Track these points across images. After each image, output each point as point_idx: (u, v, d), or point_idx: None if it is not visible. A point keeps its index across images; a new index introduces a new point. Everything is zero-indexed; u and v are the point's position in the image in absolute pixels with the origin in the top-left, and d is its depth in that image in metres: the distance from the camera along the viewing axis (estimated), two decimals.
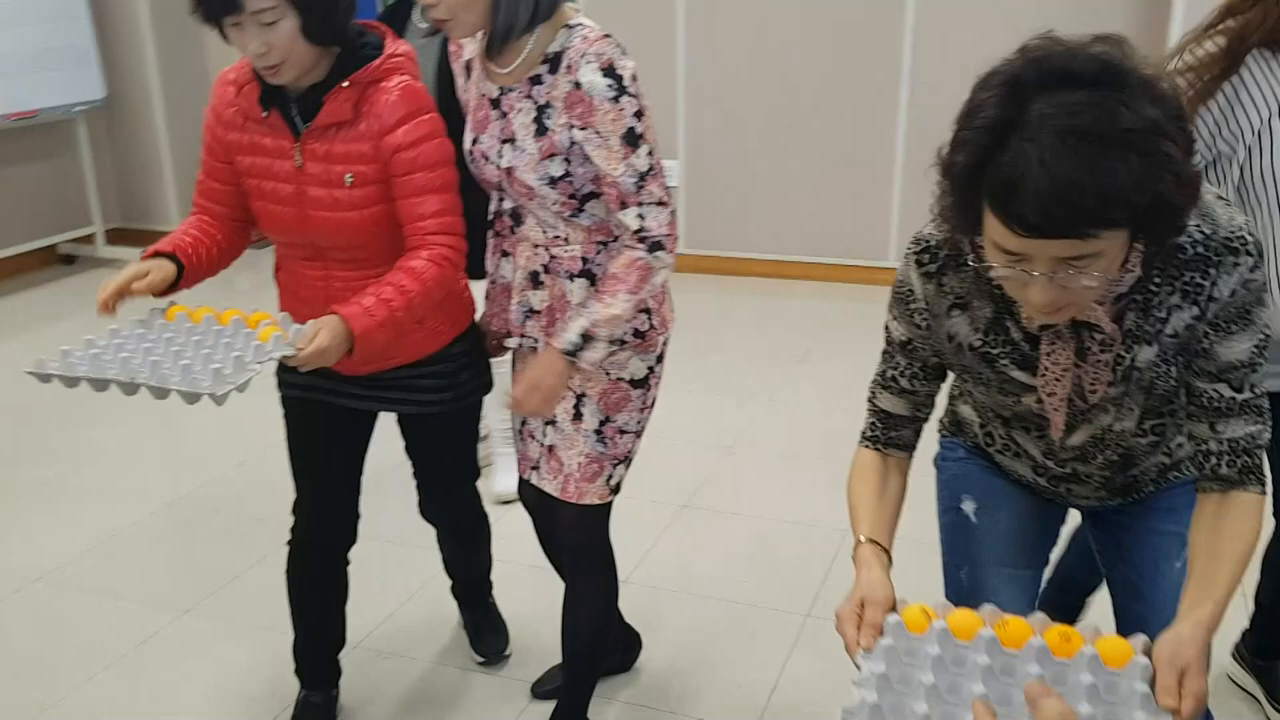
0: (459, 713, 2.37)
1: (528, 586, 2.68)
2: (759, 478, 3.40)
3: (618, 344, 1.86)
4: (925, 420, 1.51)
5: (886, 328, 1.47)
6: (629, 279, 1.80)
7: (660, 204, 1.79)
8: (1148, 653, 1.17)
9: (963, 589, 1.54)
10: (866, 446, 1.49)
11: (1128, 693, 1.11)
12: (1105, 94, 1.09)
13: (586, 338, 1.81)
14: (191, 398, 1.64)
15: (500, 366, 2.19)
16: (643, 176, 1.77)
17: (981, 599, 1.31)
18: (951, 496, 1.61)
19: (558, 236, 1.88)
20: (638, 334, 1.92)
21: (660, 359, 1.99)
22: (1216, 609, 1.20)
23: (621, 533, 2.19)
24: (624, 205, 1.79)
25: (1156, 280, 1.27)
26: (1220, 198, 1.27)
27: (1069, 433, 1.43)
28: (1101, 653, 1.11)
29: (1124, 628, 1.31)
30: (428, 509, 2.37)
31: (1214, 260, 1.25)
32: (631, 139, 1.76)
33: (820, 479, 3.18)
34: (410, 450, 2.25)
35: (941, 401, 1.55)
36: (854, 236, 5.21)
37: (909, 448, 1.50)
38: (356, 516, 2.22)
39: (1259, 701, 2.31)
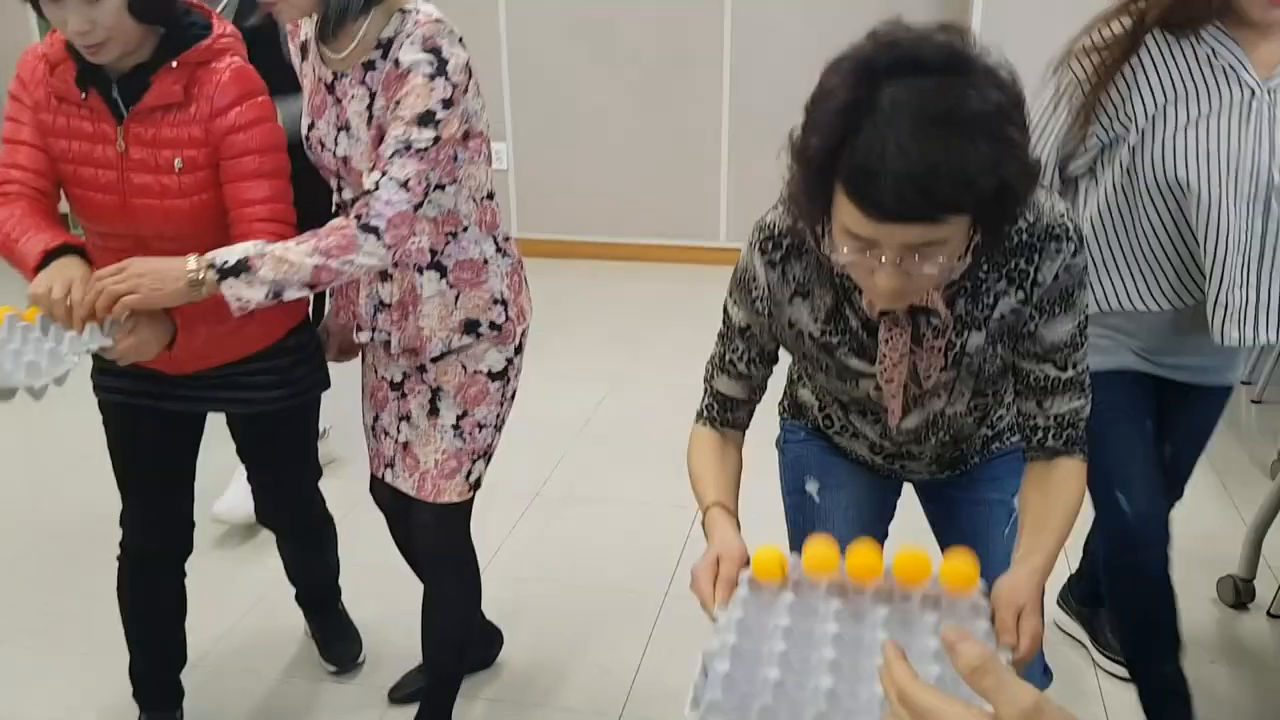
0: None
1: (377, 588, 2.58)
2: (609, 461, 3.39)
3: (273, 299, 1.61)
4: (759, 401, 1.55)
5: (726, 310, 1.48)
6: (325, 238, 1.62)
7: (403, 186, 1.62)
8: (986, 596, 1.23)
9: None
10: (704, 425, 1.52)
11: (970, 627, 1.16)
12: (953, 80, 1.12)
13: (243, 264, 1.58)
14: (6, 393, 1.52)
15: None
16: (407, 148, 1.63)
17: None
18: (795, 479, 1.65)
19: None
20: (494, 326, 1.87)
21: (519, 350, 1.94)
22: (1047, 560, 1.29)
23: (474, 525, 2.13)
24: (375, 165, 1.66)
25: (984, 268, 1.32)
26: (1041, 185, 1.32)
27: (904, 416, 1.48)
28: (945, 575, 1.16)
29: None
30: (266, 514, 2.24)
31: (1038, 247, 1.31)
32: (426, 119, 1.63)
33: (668, 459, 3.20)
34: (243, 453, 2.13)
35: (778, 384, 1.57)
36: (685, 218, 5.27)
37: (743, 427, 1.54)
38: (191, 525, 2.09)
39: (1084, 646, 2.46)
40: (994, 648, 1.16)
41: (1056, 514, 1.35)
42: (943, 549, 1.68)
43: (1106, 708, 2.28)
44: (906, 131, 1.09)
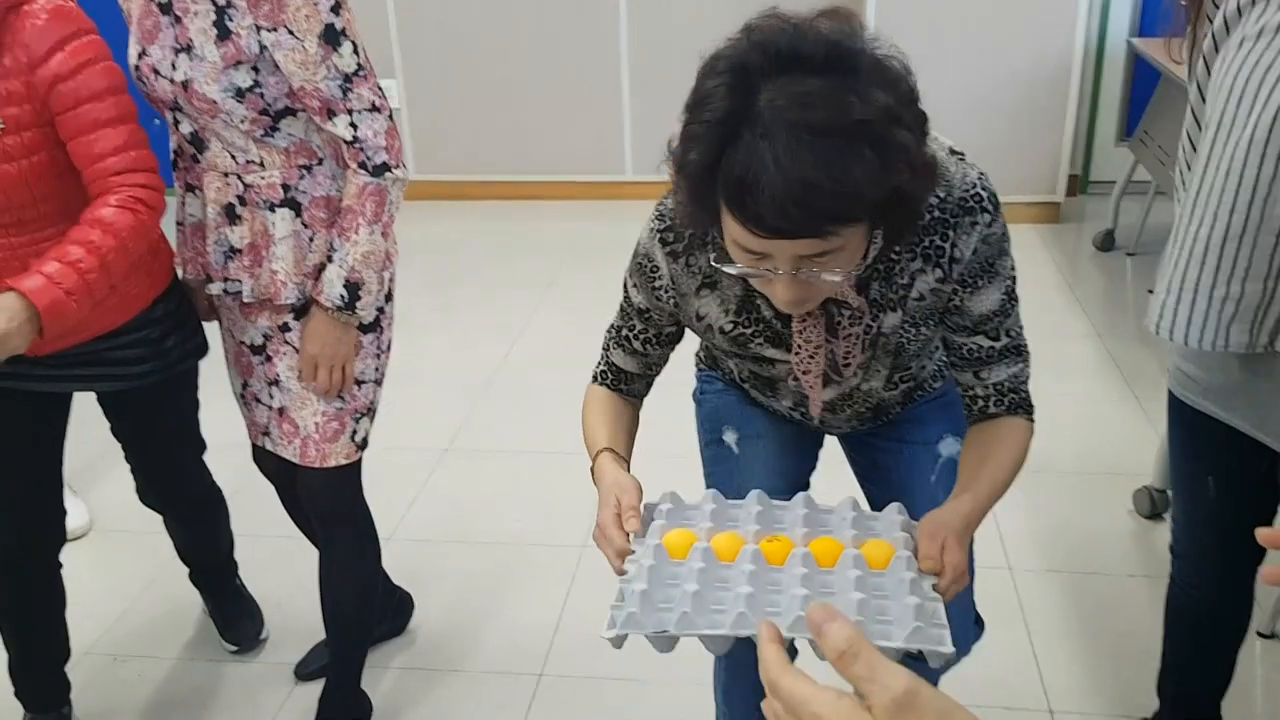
0: (219, 709, 2.14)
1: (277, 559, 2.46)
2: (519, 412, 3.27)
3: (388, 278, 1.74)
4: (656, 375, 1.49)
5: (625, 288, 1.41)
6: (365, 209, 1.64)
7: (374, 109, 1.61)
8: (908, 531, 1.21)
9: None
10: (599, 385, 1.47)
11: (894, 585, 1.12)
12: (836, 81, 1.04)
13: (351, 286, 1.67)
14: None
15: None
16: (349, 79, 1.57)
17: None
18: (712, 429, 1.58)
19: (251, 161, 1.65)
20: None
21: (389, 297, 1.81)
22: (977, 502, 1.25)
23: (379, 488, 2.02)
24: (331, 114, 1.59)
25: (896, 249, 1.25)
26: (953, 151, 1.24)
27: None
28: (866, 555, 1.12)
29: None
30: (148, 495, 2.09)
31: (951, 222, 1.23)
32: (331, 37, 1.55)
33: (577, 409, 3.13)
34: (118, 432, 1.97)
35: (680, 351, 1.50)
36: (588, 152, 5.11)
37: (640, 397, 1.49)
38: (63, 512, 1.93)
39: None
40: (917, 574, 1.13)
41: (991, 461, 1.30)
42: (869, 499, 1.63)
43: (1043, 676, 2.27)
44: (783, 144, 1.01)
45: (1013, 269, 1.29)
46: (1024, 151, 4.55)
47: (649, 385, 1.48)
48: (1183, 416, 1.62)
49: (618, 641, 1.07)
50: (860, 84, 1.04)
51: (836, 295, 1.25)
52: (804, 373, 1.35)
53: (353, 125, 1.60)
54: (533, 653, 2.24)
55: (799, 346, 1.31)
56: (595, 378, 1.47)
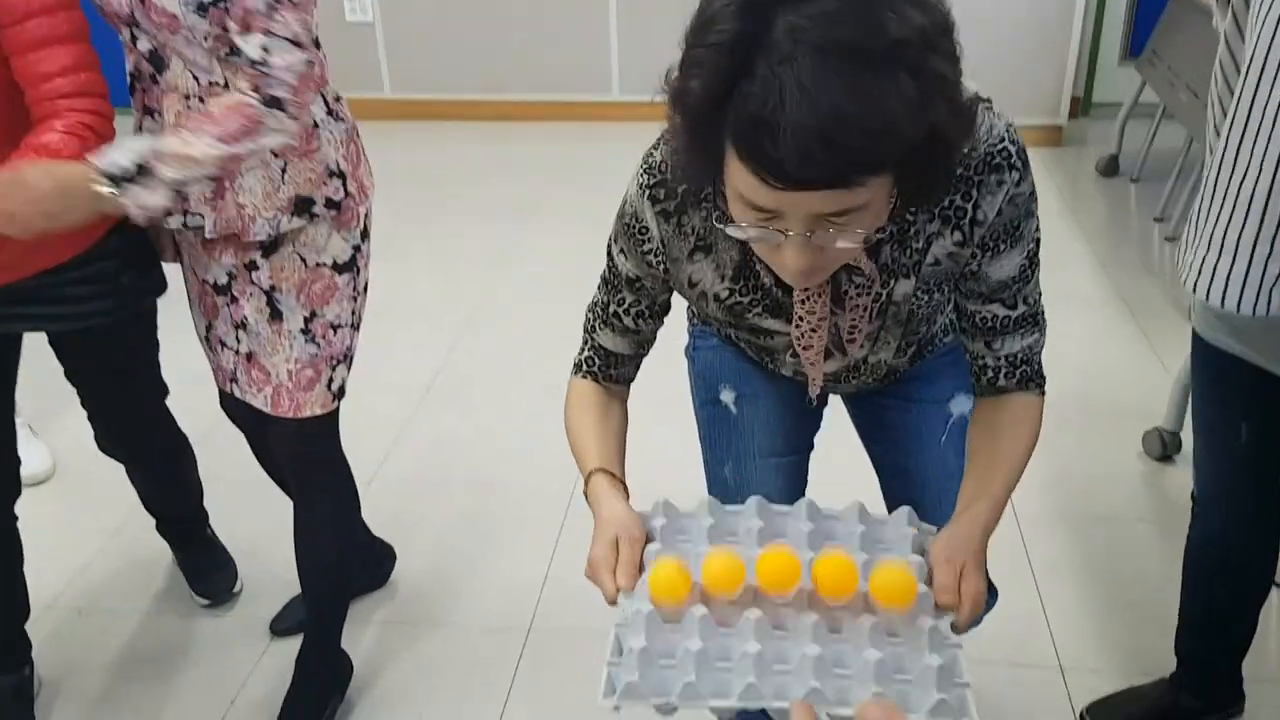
0: (189, 665, 2.04)
1: (249, 506, 2.34)
2: (505, 348, 3.14)
3: (179, 198, 1.45)
4: (647, 353, 1.34)
5: (611, 256, 1.25)
6: (226, 123, 1.41)
7: (294, 44, 1.42)
8: (921, 552, 1.11)
9: (729, 487, 1.42)
10: (583, 378, 1.32)
11: (912, 634, 1.03)
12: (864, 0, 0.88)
13: (143, 169, 1.38)
14: None
15: None
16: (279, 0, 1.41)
17: (749, 494, 1.19)
18: (708, 388, 1.45)
19: (214, 83, 1.49)
20: (331, 204, 1.59)
21: (365, 234, 1.67)
22: (992, 509, 1.15)
23: (355, 432, 1.89)
24: (248, 29, 1.41)
25: (912, 209, 1.11)
26: (978, 98, 1.08)
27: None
28: (878, 587, 1.02)
29: (893, 509, 1.26)
30: (107, 443, 1.96)
31: (975, 180, 1.09)
32: None
33: (570, 343, 3.02)
34: (73, 375, 1.84)
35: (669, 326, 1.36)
36: (573, 70, 4.90)
37: (629, 381, 1.34)
38: (16, 462, 1.82)
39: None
40: (934, 616, 1.04)
41: (1004, 458, 1.20)
42: (874, 461, 1.52)
43: (1052, 629, 2.18)
44: (809, 70, 0.86)
45: (1037, 231, 1.16)
46: (1024, 70, 4.36)
47: (638, 367, 1.34)
48: (1210, 360, 1.52)
49: (616, 709, 0.99)
50: (892, 1, 0.89)
51: (850, 260, 1.11)
52: (805, 347, 1.22)
53: (265, 49, 1.41)
54: (521, 606, 2.15)
55: (800, 319, 1.18)
56: (578, 368, 1.32)
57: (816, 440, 1.51)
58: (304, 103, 1.46)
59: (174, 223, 1.61)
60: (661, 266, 1.20)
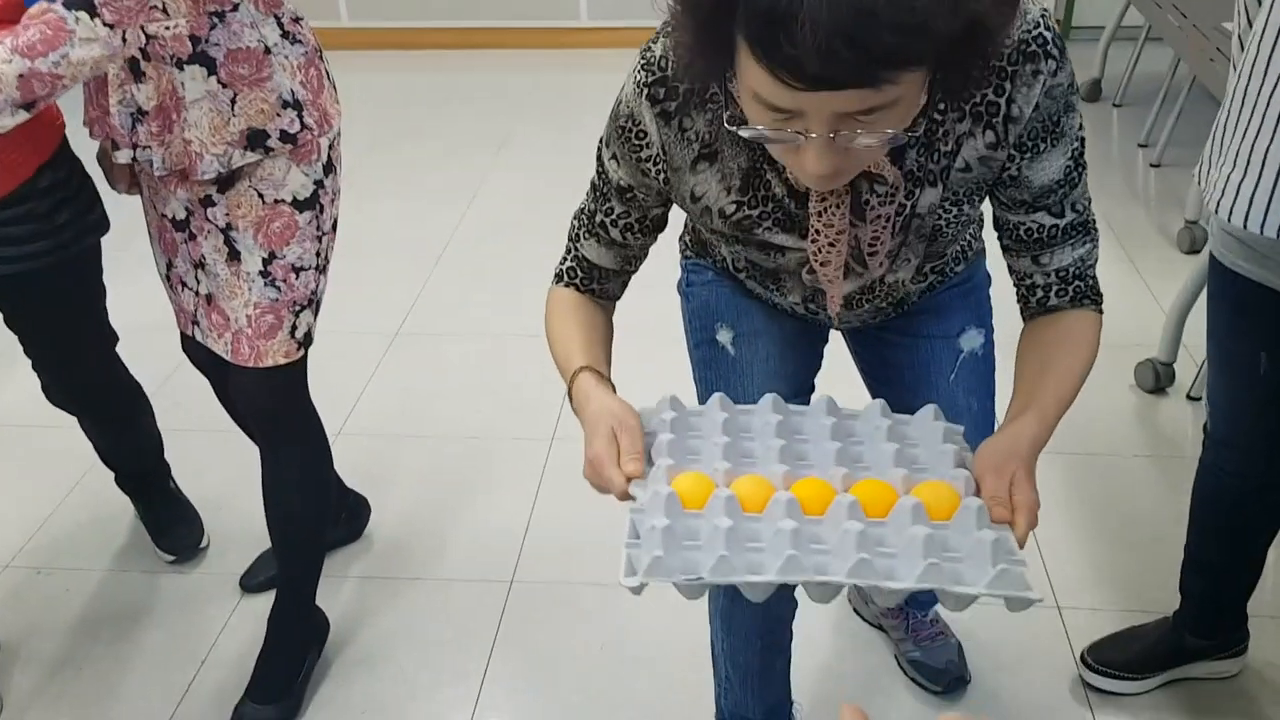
0: (155, 625, 1.95)
1: (214, 456, 2.24)
2: (477, 287, 3.02)
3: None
4: (634, 271, 1.24)
5: (601, 161, 1.14)
6: (23, 32, 1.26)
7: None
8: (954, 444, 1.03)
9: None
10: (565, 287, 1.21)
11: (967, 543, 0.93)
12: None
13: None
14: None
15: None
16: None
17: None
18: (704, 327, 1.35)
19: (153, 6, 1.35)
20: (286, 137, 1.46)
21: (330, 168, 1.55)
22: (1042, 418, 1.04)
23: (325, 377, 1.79)
24: None
25: (940, 106, 1.01)
26: None
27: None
28: (925, 501, 0.91)
29: None
30: (54, 394, 1.85)
31: (1009, 72, 0.99)
32: None
33: (544, 280, 2.94)
34: (12, 322, 1.73)
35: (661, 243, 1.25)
36: None
37: (615, 298, 1.24)
38: None
39: None
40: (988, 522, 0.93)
41: (1056, 369, 1.08)
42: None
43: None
44: None
45: (1081, 128, 1.06)
46: None
47: (625, 285, 1.24)
48: (1229, 286, 1.44)
49: (638, 590, 0.88)
50: None
51: (872, 167, 1.01)
52: (822, 264, 1.12)
53: None
54: (502, 557, 2.06)
55: (817, 232, 1.08)
56: (560, 276, 1.22)
57: (816, 381, 1.42)
58: (125, 7, 1.28)
59: (123, 157, 1.48)
60: (661, 176, 1.09)
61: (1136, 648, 1.75)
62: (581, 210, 1.19)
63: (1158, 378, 2.47)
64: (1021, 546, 0.93)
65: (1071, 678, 1.78)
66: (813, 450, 1.03)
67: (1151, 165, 3.63)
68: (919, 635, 1.78)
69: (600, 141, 1.13)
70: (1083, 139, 1.07)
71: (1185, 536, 1.70)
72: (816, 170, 0.90)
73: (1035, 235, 1.10)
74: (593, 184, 1.17)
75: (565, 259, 1.22)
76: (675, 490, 0.92)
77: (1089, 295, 1.12)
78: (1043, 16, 1.00)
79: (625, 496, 0.97)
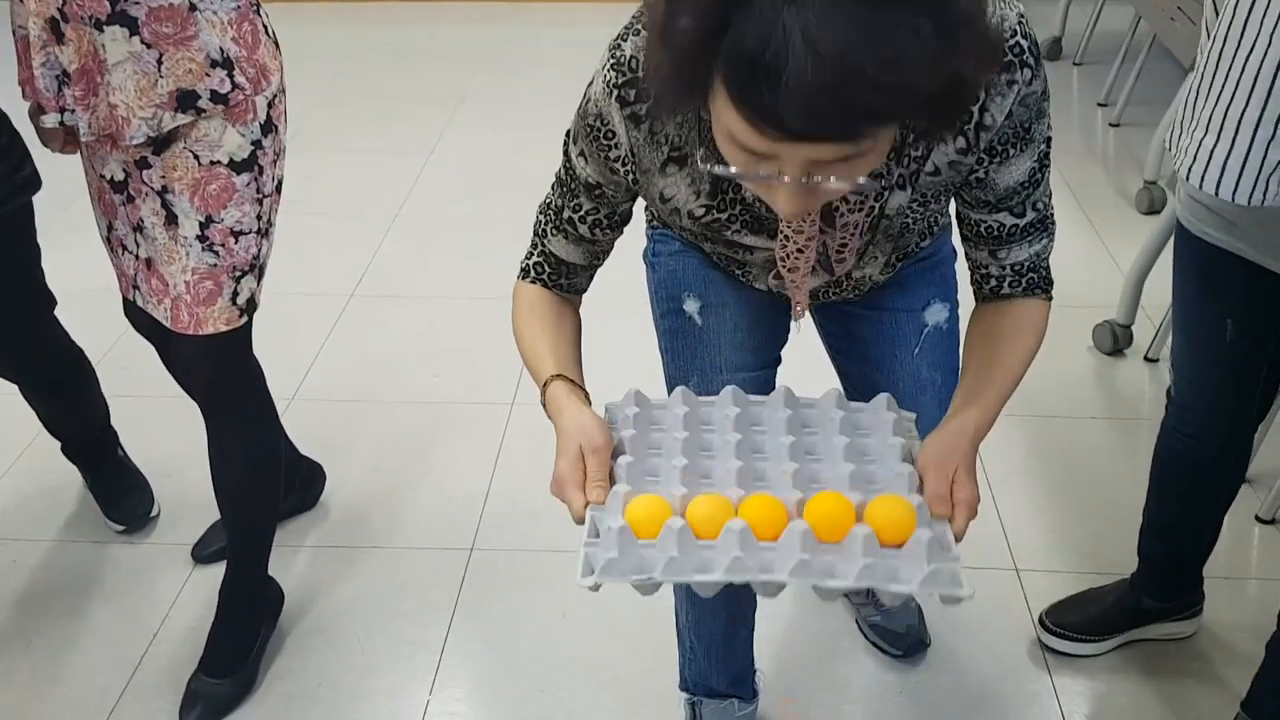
0: (106, 597, 1.91)
1: (163, 423, 2.18)
2: (433, 248, 2.96)
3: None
4: (601, 265, 1.22)
5: (568, 157, 1.11)
6: None
7: None
8: (902, 435, 1.07)
9: None
10: (532, 283, 1.19)
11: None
12: None
13: None
14: None
15: None
16: None
17: None
18: (670, 297, 1.34)
19: None
20: (218, 97, 1.40)
21: (269, 127, 1.48)
22: (985, 412, 1.07)
23: (277, 341, 1.74)
24: None
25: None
26: None
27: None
28: (877, 526, 0.94)
29: None
30: None
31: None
32: None
33: (502, 241, 2.88)
34: None
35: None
36: None
37: (581, 291, 1.23)
38: None
39: None
40: (926, 520, 0.97)
41: (1001, 360, 1.10)
42: (841, 375, 1.44)
43: (1006, 530, 2.13)
44: (817, 13, 0.75)
45: (1049, 131, 1.06)
46: None
47: (591, 278, 1.22)
48: (1196, 253, 1.44)
49: (595, 589, 0.93)
50: None
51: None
52: (790, 270, 1.11)
53: None
54: (461, 525, 2.04)
55: (786, 239, 1.08)
56: (526, 272, 1.19)
57: (783, 353, 1.41)
58: None
59: (49, 121, 1.42)
60: (629, 176, 1.07)
61: (1094, 610, 1.77)
62: (548, 205, 1.17)
63: (1116, 339, 2.49)
64: (959, 540, 0.96)
65: (1030, 640, 1.79)
66: (769, 443, 1.06)
67: (1111, 125, 3.63)
68: (879, 600, 1.79)
69: (567, 135, 1.10)
70: (1049, 139, 1.06)
71: (1143, 499, 1.72)
72: (788, 209, 0.90)
73: (995, 233, 1.11)
74: (559, 178, 1.14)
75: (531, 254, 1.19)
76: (629, 523, 0.94)
77: (1040, 285, 1.14)
78: (1020, 22, 0.98)
79: (581, 520, 0.98)
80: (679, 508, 0.96)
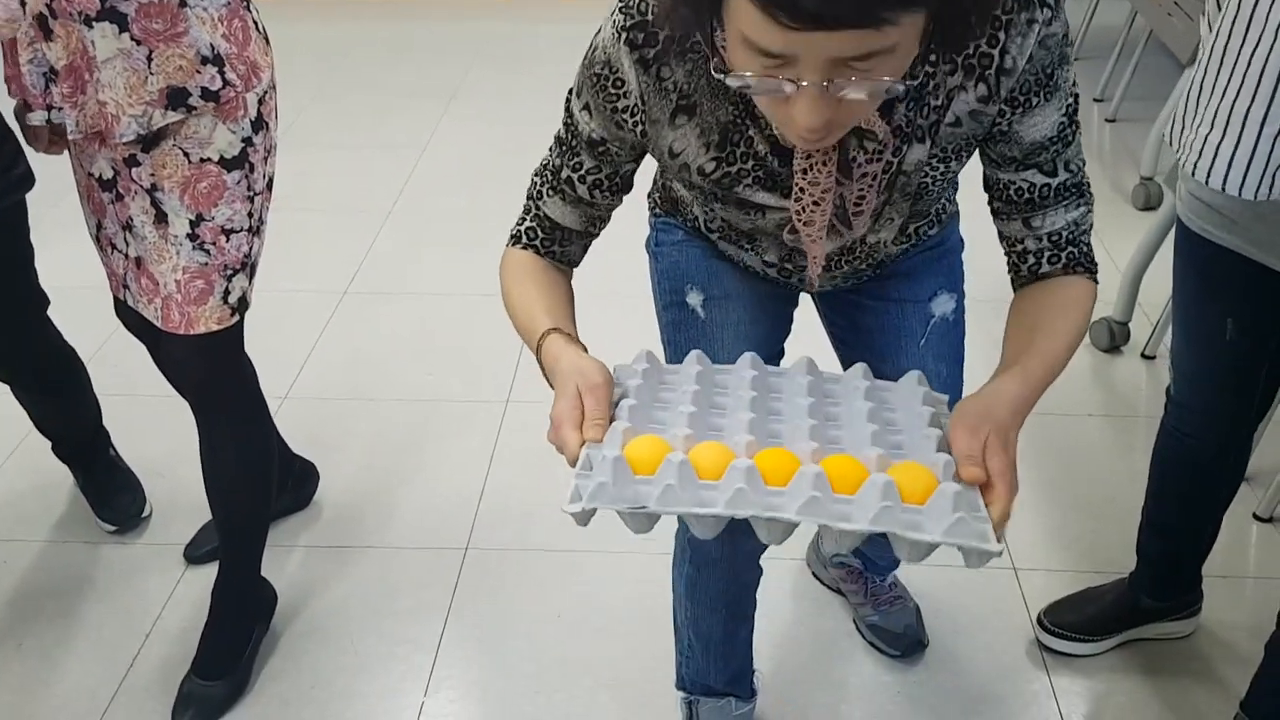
0: (97, 597, 1.89)
1: (155, 422, 2.16)
2: (427, 245, 2.95)
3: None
4: (597, 235, 1.17)
5: (570, 112, 1.07)
6: None
7: None
8: (933, 407, 0.99)
9: None
10: (523, 249, 1.14)
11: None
12: None
13: None
14: None
15: None
16: None
17: None
18: (673, 289, 1.31)
19: None
20: (209, 94, 1.39)
21: (260, 124, 1.47)
22: (1027, 383, 0.98)
23: (270, 339, 1.72)
24: None
25: (931, 58, 0.96)
26: None
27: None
28: (898, 481, 0.86)
29: None
30: None
31: (1003, 21, 0.95)
32: None
33: (497, 237, 2.88)
34: None
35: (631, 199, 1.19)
36: None
37: (574, 263, 1.18)
38: None
39: None
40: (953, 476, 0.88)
41: (1045, 331, 1.03)
42: (847, 368, 1.40)
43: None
44: None
45: (1075, 83, 1.02)
46: None
47: (585, 250, 1.17)
48: (1197, 251, 1.43)
49: (583, 518, 0.86)
50: None
51: (861, 122, 0.97)
52: (805, 224, 1.06)
53: None
54: (456, 524, 2.02)
55: (801, 190, 1.03)
56: (517, 238, 1.15)
57: (785, 347, 1.39)
58: None
59: (36, 118, 1.41)
60: (638, 129, 1.03)
61: (1092, 609, 1.76)
62: (545, 166, 1.13)
63: (1113, 336, 2.48)
64: (1005, 522, 0.88)
65: (1028, 640, 1.78)
66: (786, 406, 0.99)
67: (1107, 120, 3.62)
68: (877, 599, 1.78)
69: (570, 92, 1.07)
70: (1077, 95, 1.02)
71: (1141, 497, 1.71)
72: (807, 123, 0.84)
73: (1026, 195, 1.06)
74: (558, 138, 1.10)
75: (524, 219, 1.15)
76: (626, 455, 0.88)
77: (1082, 262, 1.08)
78: None
79: (575, 463, 0.92)
80: (682, 448, 0.89)
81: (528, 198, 1.15)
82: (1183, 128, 1.33)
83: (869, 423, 0.95)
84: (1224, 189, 1.26)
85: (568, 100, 1.07)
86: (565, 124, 1.09)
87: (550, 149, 1.12)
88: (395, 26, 4.46)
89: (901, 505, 0.84)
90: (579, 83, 1.05)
